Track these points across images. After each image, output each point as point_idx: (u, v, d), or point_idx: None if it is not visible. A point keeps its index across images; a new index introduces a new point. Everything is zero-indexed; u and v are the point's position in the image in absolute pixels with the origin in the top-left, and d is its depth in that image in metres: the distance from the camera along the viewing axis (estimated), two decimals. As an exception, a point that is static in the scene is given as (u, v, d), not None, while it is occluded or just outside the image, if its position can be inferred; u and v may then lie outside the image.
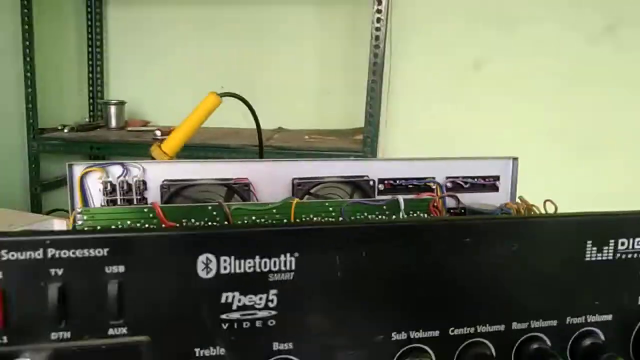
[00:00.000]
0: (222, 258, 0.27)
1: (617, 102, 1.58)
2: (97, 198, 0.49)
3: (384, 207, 0.47)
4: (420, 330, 0.30)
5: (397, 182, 0.54)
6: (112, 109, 1.66)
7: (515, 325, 0.32)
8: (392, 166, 0.55)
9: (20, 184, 1.63)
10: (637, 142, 1.60)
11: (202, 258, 0.27)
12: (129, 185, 0.49)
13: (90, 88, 1.87)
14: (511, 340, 0.32)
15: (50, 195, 1.67)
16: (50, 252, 0.25)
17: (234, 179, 0.51)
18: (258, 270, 0.27)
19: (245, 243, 0.27)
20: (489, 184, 0.57)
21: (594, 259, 0.32)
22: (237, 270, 0.27)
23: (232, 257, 0.27)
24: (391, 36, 1.51)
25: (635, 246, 0.33)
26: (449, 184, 0.56)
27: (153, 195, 0.49)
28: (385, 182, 0.54)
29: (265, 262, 0.27)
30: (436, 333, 0.30)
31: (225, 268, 0.27)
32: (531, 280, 0.31)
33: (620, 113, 1.59)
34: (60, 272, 0.25)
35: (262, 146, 0.69)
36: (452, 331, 0.31)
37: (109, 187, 0.48)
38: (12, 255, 0.25)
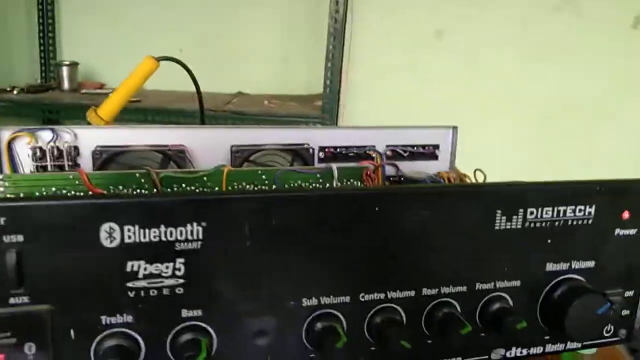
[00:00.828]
0: (126, 227, 0.27)
1: (572, 73, 1.61)
2: (26, 164, 0.47)
3: (318, 175, 0.47)
4: (331, 296, 0.31)
5: (338, 150, 0.55)
6: (65, 70, 1.60)
7: (425, 291, 0.33)
8: (334, 134, 0.55)
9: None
10: (585, 112, 1.64)
11: (105, 227, 0.26)
12: (60, 151, 0.48)
13: (42, 48, 1.79)
14: (421, 305, 0.33)
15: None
16: (-57, 221, 0.24)
17: (169, 145, 0.50)
18: (164, 239, 0.27)
19: (149, 212, 0.27)
20: (429, 153, 0.57)
21: (503, 227, 0.33)
22: (142, 239, 0.27)
23: (136, 226, 0.27)
24: (352, 1, 1.49)
25: (544, 215, 0.34)
26: (389, 153, 0.56)
27: (86, 161, 0.48)
28: (326, 150, 0.54)
29: (171, 232, 0.27)
30: (347, 299, 0.31)
31: (129, 237, 0.27)
32: (442, 248, 0.32)
33: (575, 82, 1.62)
34: (-46, 241, 0.25)
35: (203, 111, 0.68)
36: (363, 297, 0.31)
37: (38, 153, 0.47)
38: None
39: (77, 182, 0.41)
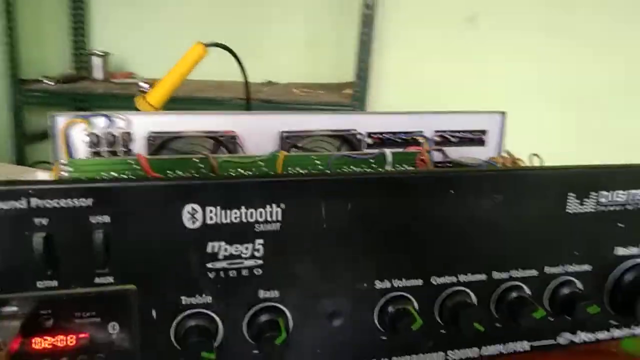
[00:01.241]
0: (208, 208, 0.27)
1: (611, 57, 1.57)
2: (81, 150, 0.48)
3: (371, 160, 0.47)
4: (403, 279, 0.31)
5: (385, 136, 0.54)
6: (96, 61, 1.62)
7: (496, 275, 0.32)
8: (380, 120, 0.54)
9: (4, 137, 1.61)
10: (622, 95, 1.60)
11: (187, 208, 0.27)
12: (114, 137, 0.48)
13: (73, 38, 1.82)
14: (492, 289, 0.32)
15: (35, 148, 1.65)
16: (34, 202, 0.25)
17: (221, 131, 0.50)
18: (244, 220, 0.28)
19: (230, 194, 0.27)
20: (477, 139, 0.57)
21: (575, 211, 0.33)
22: (223, 221, 0.27)
23: (218, 208, 0.27)
24: (383, -14, 1.48)
25: (616, 198, 0.33)
26: (436, 138, 0.56)
27: (138, 147, 0.48)
28: (374, 135, 0.54)
29: (251, 213, 0.27)
30: (419, 282, 0.31)
31: (211, 218, 0.27)
32: (513, 231, 0.32)
33: (613, 66, 1.58)
34: (44, 222, 0.25)
35: (250, 98, 0.69)
36: (435, 280, 0.31)
37: (93, 139, 0.48)
38: (-4, 205, 0.25)
39: (135, 166, 0.42)
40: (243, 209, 0.27)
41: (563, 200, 0.32)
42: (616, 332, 0.36)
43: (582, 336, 0.35)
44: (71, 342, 0.27)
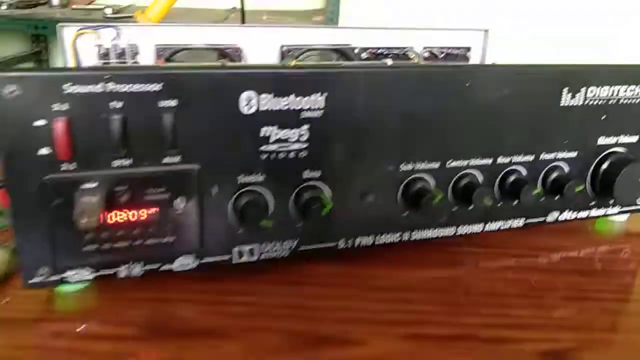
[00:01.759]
0: (262, 96, 0.30)
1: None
2: (89, 62, 0.49)
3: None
4: (424, 162, 0.35)
5: (379, 50, 0.57)
6: (54, -15, 1.54)
7: (500, 160, 0.37)
8: (372, 35, 0.57)
9: (-40, 66, 1.53)
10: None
11: (244, 95, 0.30)
12: (122, 49, 0.50)
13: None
14: (496, 172, 0.37)
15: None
16: (109, 86, 0.27)
17: (226, 44, 0.52)
18: (292, 107, 0.31)
19: (282, 83, 0.30)
20: (461, 55, 0.61)
21: (567, 104, 0.37)
22: (275, 108, 0.31)
23: (270, 95, 0.30)
24: None
25: (601, 94, 0.38)
26: (425, 54, 0.59)
27: (145, 59, 0.50)
28: (368, 50, 0.57)
29: (298, 100, 0.31)
30: (436, 165, 0.36)
31: (264, 105, 0.30)
32: (516, 122, 0.37)
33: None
34: (119, 105, 0.28)
35: (244, 12, 0.70)
36: (450, 163, 0.36)
37: (103, 51, 0.49)
38: (76, 89, 0.27)
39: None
40: (292, 97, 0.31)
41: (558, 94, 0.37)
42: (594, 212, 0.42)
43: (567, 215, 0.41)
44: (143, 216, 0.30)
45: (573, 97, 0.37)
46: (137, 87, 0.28)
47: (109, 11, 1.44)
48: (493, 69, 0.35)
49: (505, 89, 0.35)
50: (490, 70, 0.35)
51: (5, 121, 0.26)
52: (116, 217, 0.30)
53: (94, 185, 0.29)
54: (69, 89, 0.27)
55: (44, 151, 0.27)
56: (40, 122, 0.27)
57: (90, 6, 1.60)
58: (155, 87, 0.28)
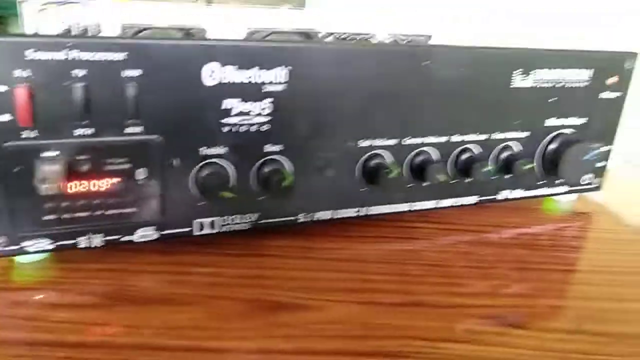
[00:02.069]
0: (225, 68, 0.31)
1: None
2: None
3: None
4: (382, 139, 0.36)
5: (343, 35, 0.58)
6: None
7: (454, 138, 0.39)
8: (337, 20, 0.58)
9: None
10: None
11: (207, 67, 0.30)
12: (85, 27, 0.49)
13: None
14: (450, 149, 0.39)
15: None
16: (73, 54, 0.28)
17: (191, 25, 0.52)
18: (254, 81, 0.32)
19: (244, 55, 0.31)
20: (422, 42, 0.62)
21: (518, 85, 0.39)
22: (237, 80, 0.31)
23: (233, 68, 0.31)
24: None
25: (550, 77, 0.40)
26: (388, 40, 0.60)
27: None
28: (333, 35, 0.58)
29: (261, 74, 0.32)
30: (394, 142, 0.37)
31: (226, 78, 0.31)
32: (470, 102, 0.38)
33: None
34: (82, 73, 0.28)
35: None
36: (406, 140, 0.37)
37: (65, 28, 0.48)
38: (38, 55, 0.27)
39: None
40: (255, 70, 0.31)
41: (509, 76, 0.39)
42: (543, 191, 0.45)
43: (517, 193, 0.43)
44: (104, 186, 0.30)
45: (523, 79, 0.39)
46: (100, 56, 0.28)
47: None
48: (449, 49, 0.37)
49: (460, 69, 0.37)
50: (446, 50, 0.36)
51: (-36, 86, 0.26)
52: (77, 186, 0.30)
53: (55, 153, 0.29)
54: (31, 55, 0.27)
55: (4, 117, 0.27)
56: (0, 88, 0.27)
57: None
58: (119, 56, 0.28)
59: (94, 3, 0.49)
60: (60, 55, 0.27)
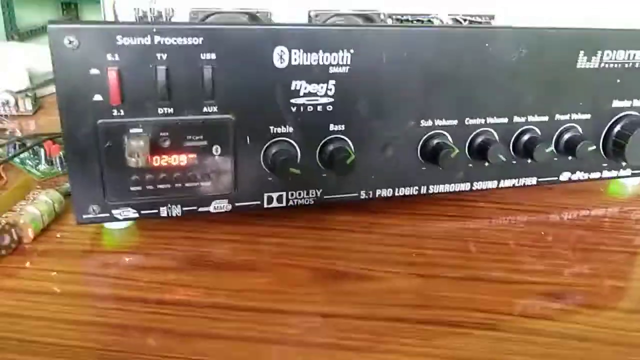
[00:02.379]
0: (293, 51, 0.32)
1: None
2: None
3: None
4: (443, 119, 0.37)
5: (404, 16, 0.59)
6: (84, -47, 1.57)
7: (516, 119, 0.39)
8: (398, 2, 0.59)
9: (-5, 32, 1.58)
10: None
11: (277, 50, 0.32)
12: (159, 12, 0.52)
13: None
14: (512, 130, 0.39)
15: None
16: (157, 39, 0.30)
17: (257, 8, 0.54)
18: (321, 63, 0.33)
19: (311, 39, 0.33)
20: (485, 23, 0.62)
21: (583, 66, 0.39)
22: (305, 62, 0.33)
23: (301, 50, 0.33)
24: None
25: (617, 58, 0.40)
26: (450, 21, 0.61)
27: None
28: (394, 16, 0.59)
29: (326, 56, 0.33)
30: (455, 122, 0.38)
31: (295, 60, 0.33)
32: (532, 82, 0.38)
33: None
34: (164, 56, 0.31)
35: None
36: (467, 121, 0.38)
37: (139, 13, 0.52)
38: (126, 41, 0.30)
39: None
40: (320, 53, 0.33)
41: (574, 57, 0.39)
42: (605, 173, 0.44)
43: (579, 175, 0.43)
44: (183, 161, 0.33)
45: (589, 60, 0.39)
46: (180, 41, 0.31)
47: (138, -20, 1.46)
48: (512, 30, 0.37)
49: (524, 50, 0.37)
50: (509, 31, 0.37)
51: (66, 69, 0.29)
52: (159, 160, 0.33)
53: (140, 130, 0.32)
54: (121, 40, 0.30)
55: (97, 97, 0.30)
56: (95, 71, 0.30)
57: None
58: (197, 40, 0.31)
59: (166, -10, 0.52)
60: (146, 41, 0.30)
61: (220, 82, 0.32)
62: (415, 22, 0.59)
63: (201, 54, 0.31)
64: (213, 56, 0.31)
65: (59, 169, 0.44)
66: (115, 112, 0.31)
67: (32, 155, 0.46)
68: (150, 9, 0.52)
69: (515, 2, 0.62)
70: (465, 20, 0.61)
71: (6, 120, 0.55)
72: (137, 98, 0.31)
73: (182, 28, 0.31)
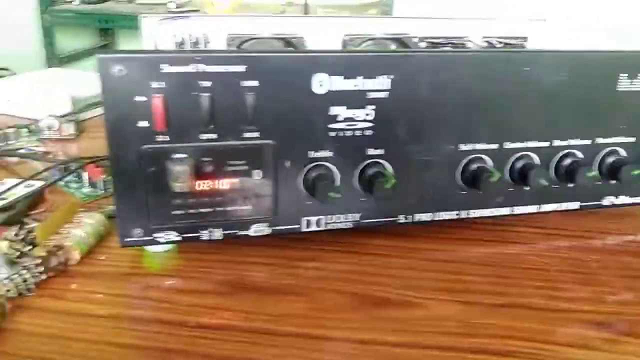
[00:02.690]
0: (333, 77, 0.33)
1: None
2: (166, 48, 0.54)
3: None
4: (483, 143, 0.37)
5: (437, 40, 0.59)
6: (122, -19, 1.63)
7: (556, 143, 0.39)
8: (431, 26, 0.59)
9: (36, 58, 1.64)
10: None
11: (317, 76, 0.33)
12: (196, 38, 0.54)
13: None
14: (552, 154, 0.39)
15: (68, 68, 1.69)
16: (201, 67, 0.31)
17: (290, 34, 0.55)
18: (360, 88, 0.34)
19: (350, 65, 0.33)
20: (518, 44, 0.62)
21: (624, 89, 0.38)
22: (344, 88, 0.33)
23: (341, 77, 0.33)
24: None
25: (660, 80, 0.39)
26: (483, 43, 0.60)
27: (217, 47, 0.54)
28: (427, 40, 0.59)
29: (366, 82, 0.33)
30: (495, 146, 0.37)
31: (334, 86, 0.33)
32: (573, 105, 0.38)
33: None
34: (208, 84, 0.31)
35: (307, 4, 0.73)
36: (507, 145, 0.38)
37: (179, 39, 0.53)
38: (171, 69, 0.31)
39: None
40: (360, 79, 0.33)
41: (615, 79, 0.38)
42: (650, 198, 0.43)
43: (623, 199, 0.42)
44: (225, 185, 0.34)
45: (631, 82, 0.38)
46: (224, 68, 0.31)
47: (172, 5, 1.51)
48: (551, 54, 0.37)
49: (563, 73, 0.37)
50: (548, 55, 0.36)
51: (113, 97, 0.30)
52: (202, 185, 0.33)
53: (183, 155, 0.32)
54: (166, 68, 0.31)
55: (143, 123, 0.31)
56: (140, 98, 0.31)
57: (154, 1, 1.67)
58: (240, 68, 0.31)
59: (202, 17, 0.53)
60: (189, 69, 0.31)
61: (261, 108, 0.33)
62: (449, 45, 0.59)
63: (244, 81, 0.32)
64: (255, 83, 0.32)
65: (102, 191, 0.46)
66: (159, 138, 0.32)
67: (75, 178, 0.48)
68: (189, 35, 0.54)
69: (546, 24, 0.62)
70: (499, 43, 0.61)
71: (50, 143, 0.57)
72: (180, 124, 0.32)
73: (226, 56, 0.31)
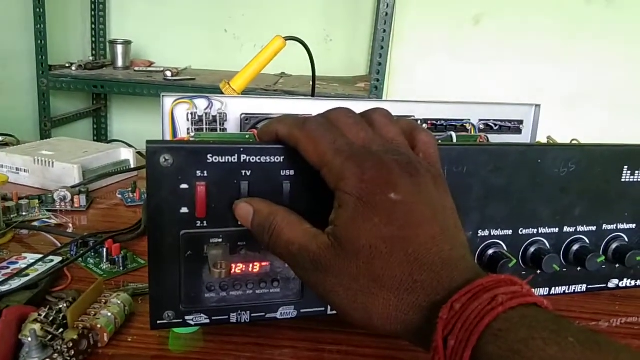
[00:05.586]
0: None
1: (608, 56, 1.68)
2: (183, 127, 0.56)
3: (439, 141, 0.56)
4: (499, 229, 0.39)
5: (439, 122, 0.63)
6: (119, 49, 1.68)
7: (566, 229, 0.41)
8: (432, 108, 0.63)
9: (30, 119, 1.65)
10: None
11: (349, 167, 0.35)
12: (213, 117, 0.56)
13: (93, 26, 1.87)
14: (562, 239, 0.41)
15: (59, 131, 1.70)
16: (243, 157, 0.33)
17: (303, 114, 0.58)
18: (388, 178, 0.36)
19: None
20: (514, 127, 0.65)
21: (627, 180, 0.41)
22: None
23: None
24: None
25: (658, 172, 0.42)
26: (481, 126, 0.64)
27: (232, 126, 0.56)
28: (429, 122, 0.63)
29: (393, 172, 0.36)
30: (509, 232, 0.40)
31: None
32: (580, 194, 0.41)
33: (610, 66, 1.69)
34: (249, 173, 0.33)
35: (315, 86, 0.77)
36: (521, 231, 0.40)
37: (196, 118, 0.56)
38: (215, 159, 0.32)
39: (251, 140, 0.49)
40: (388, 169, 0.35)
41: (619, 171, 0.41)
42: (652, 281, 0.45)
43: (627, 282, 0.44)
44: (256, 269, 0.35)
45: (632, 174, 0.41)
46: (264, 159, 0.33)
47: (168, 74, 1.55)
48: (562, 148, 0.39)
49: (572, 165, 0.40)
50: (558, 149, 0.39)
51: (158, 184, 0.32)
52: (234, 268, 0.34)
53: (220, 240, 0.34)
54: (211, 158, 0.32)
55: (184, 210, 0.33)
56: (184, 186, 0.32)
57: (150, 68, 1.72)
58: (279, 159, 0.33)
59: (218, 97, 0.56)
60: (233, 159, 0.33)
61: (298, 196, 0.34)
62: (449, 127, 0.63)
63: (281, 171, 0.34)
64: (292, 172, 0.34)
65: (121, 268, 0.46)
66: (198, 224, 0.33)
67: (93, 254, 0.48)
68: (206, 114, 0.56)
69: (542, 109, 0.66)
70: (496, 125, 0.64)
71: (61, 215, 0.58)
72: (220, 210, 0.33)
73: (267, 147, 0.33)
